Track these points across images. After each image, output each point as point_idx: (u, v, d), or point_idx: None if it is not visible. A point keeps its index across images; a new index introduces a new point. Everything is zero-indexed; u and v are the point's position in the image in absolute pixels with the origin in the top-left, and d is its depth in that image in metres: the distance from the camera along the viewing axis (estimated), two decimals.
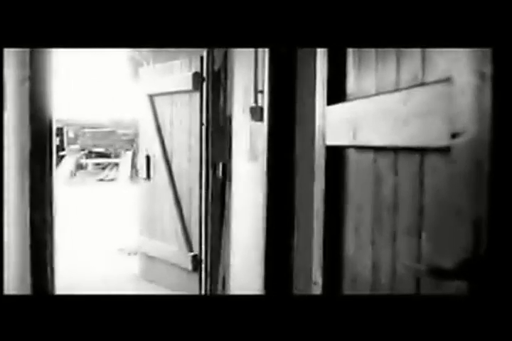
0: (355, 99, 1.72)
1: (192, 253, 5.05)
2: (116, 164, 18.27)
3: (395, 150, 1.43)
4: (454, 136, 1.07)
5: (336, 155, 1.87)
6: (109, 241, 7.73)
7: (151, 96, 5.59)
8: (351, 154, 1.78)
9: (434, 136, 1.17)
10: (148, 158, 5.65)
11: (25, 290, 3.58)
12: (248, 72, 3.68)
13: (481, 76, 0.97)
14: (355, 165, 1.75)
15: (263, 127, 3.16)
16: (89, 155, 19.05)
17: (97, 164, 18.63)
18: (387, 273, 1.49)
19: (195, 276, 5.00)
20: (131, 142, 18.28)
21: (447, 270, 1.09)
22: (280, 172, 3.03)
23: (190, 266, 5.03)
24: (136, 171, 9.96)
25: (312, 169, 2.07)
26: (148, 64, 6.33)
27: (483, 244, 1.01)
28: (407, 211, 1.37)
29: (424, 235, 1.28)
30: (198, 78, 4.94)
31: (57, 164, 12.34)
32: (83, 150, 18.96)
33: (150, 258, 5.67)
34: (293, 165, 2.97)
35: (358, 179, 1.73)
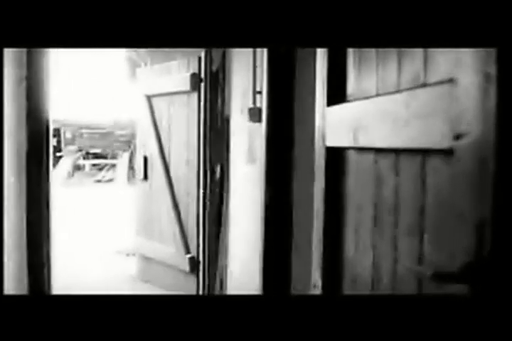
0: (356, 99, 1.71)
1: (189, 255, 5.03)
2: (114, 165, 18.26)
3: (397, 151, 1.41)
4: (457, 137, 1.06)
5: (336, 156, 1.86)
6: (107, 242, 7.71)
7: (149, 97, 5.58)
8: (351, 155, 1.77)
9: (436, 137, 1.16)
10: (145, 158, 5.64)
11: (22, 290, 3.57)
12: (246, 72, 3.67)
13: (486, 76, 0.96)
14: (356, 167, 1.74)
15: (261, 128, 3.15)
16: (87, 156, 19.04)
17: (95, 165, 18.61)
18: (388, 275, 1.48)
19: (193, 278, 4.98)
20: (129, 143, 18.27)
21: (449, 273, 1.07)
22: (279, 174, 3.01)
23: (187, 268, 5.02)
24: (134, 172, 9.95)
25: (312, 170, 2.06)
26: (145, 64, 6.32)
27: (487, 247, 1.00)
28: (409, 212, 1.36)
29: (425, 237, 1.27)
30: (195, 79, 4.93)
31: (55, 165, 12.34)
32: (80, 151, 18.95)
33: (147, 259, 5.65)
34: (291, 166, 2.96)
35: (358, 180, 1.72)
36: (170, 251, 5.28)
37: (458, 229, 1.08)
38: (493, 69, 0.95)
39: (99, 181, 17.03)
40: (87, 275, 6.04)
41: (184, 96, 5.11)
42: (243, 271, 3.82)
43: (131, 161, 16.62)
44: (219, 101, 4.74)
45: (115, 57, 13.77)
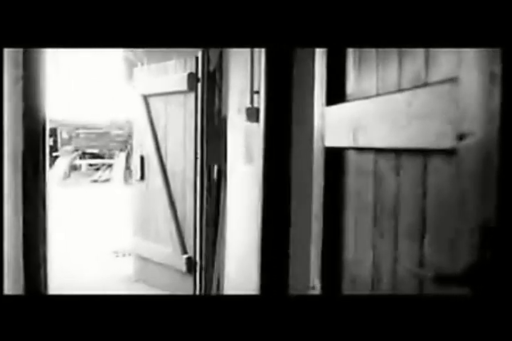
0: (356, 99, 1.70)
1: (186, 255, 5.02)
2: (110, 165, 18.23)
3: (397, 151, 1.40)
4: (460, 137, 1.05)
5: (335, 156, 1.85)
6: (103, 243, 7.70)
7: (146, 97, 5.56)
8: (351, 155, 1.75)
9: (438, 137, 1.15)
10: (142, 158, 5.62)
11: (18, 290, 3.55)
12: (244, 72, 3.66)
13: (491, 76, 0.95)
14: (355, 167, 1.73)
15: (259, 128, 3.13)
16: (83, 156, 19.01)
17: (91, 165, 18.58)
18: (388, 276, 1.47)
19: (190, 278, 4.97)
20: (125, 143, 18.25)
21: (451, 275, 1.06)
22: (276, 174, 3.00)
23: (184, 268, 5.01)
24: (130, 172, 9.93)
25: (310, 170, 2.04)
26: (142, 64, 6.30)
27: (490, 248, 0.98)
28: (409, 213, 1.34)
29: (426, 238, 1.26)
30: (192, 79, 4.91)
31: (51, 165, 12.31)
32: (77, 151, 18.91)
33: (144, 259, 5.64)
34: (289, 166, 2.95)
35: (357, 181, 1.70)
36: (167, 252, 5.27)
37: (460, 230, 1.07)
38: (497, 69, 0.94)
39: (95, 181, 17.01)
40: (83, 276, 6.03)
41: (181, 96, 5.10)
42: (240, 272, 3.81)
43: (127, 161, 16.60)
44: (216, 101, 4.73)
45: (112, 57, 13.76)
